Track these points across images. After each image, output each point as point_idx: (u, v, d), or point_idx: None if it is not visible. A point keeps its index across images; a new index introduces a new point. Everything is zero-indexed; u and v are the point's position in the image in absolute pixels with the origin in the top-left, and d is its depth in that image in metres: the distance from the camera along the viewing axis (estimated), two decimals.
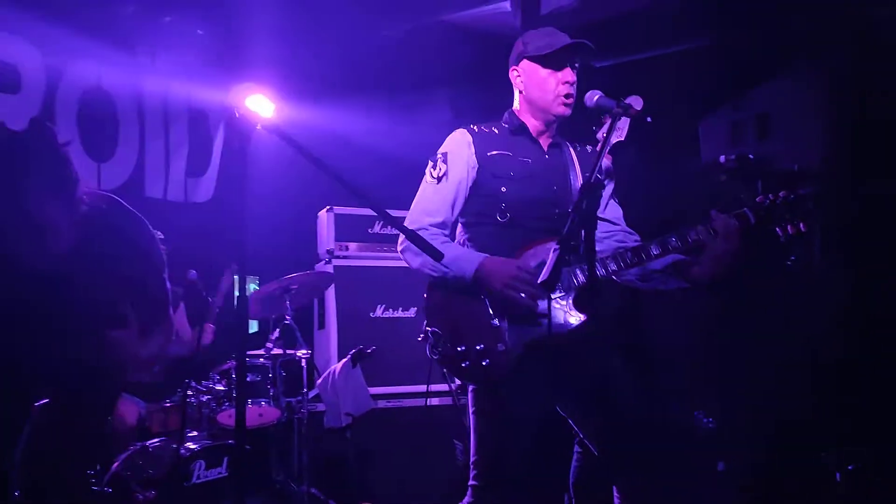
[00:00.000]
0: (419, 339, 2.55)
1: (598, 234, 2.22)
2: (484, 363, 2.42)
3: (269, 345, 4.22)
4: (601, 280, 2.45)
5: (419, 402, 4.78)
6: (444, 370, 2.54)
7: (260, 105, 1.98)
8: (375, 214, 4.39)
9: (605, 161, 2.28)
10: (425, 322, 2.54)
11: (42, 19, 4.46)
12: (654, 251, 2.46)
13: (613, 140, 2.94)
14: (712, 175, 3.95)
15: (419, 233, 2.53)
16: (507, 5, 4.75)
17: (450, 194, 2.60)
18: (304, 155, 2.00)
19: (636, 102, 3.09)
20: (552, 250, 2.11)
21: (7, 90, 4.42)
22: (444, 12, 4.93)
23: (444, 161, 2.61)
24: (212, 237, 5.03)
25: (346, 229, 5.04)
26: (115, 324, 2.41)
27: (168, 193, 5.20)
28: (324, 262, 5.03)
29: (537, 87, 2.62)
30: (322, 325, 5.00)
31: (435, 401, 4.73)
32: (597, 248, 2.33)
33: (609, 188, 2.62)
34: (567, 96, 2.61)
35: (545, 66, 2.60)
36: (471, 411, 2.53)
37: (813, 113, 3.88)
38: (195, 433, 3.86)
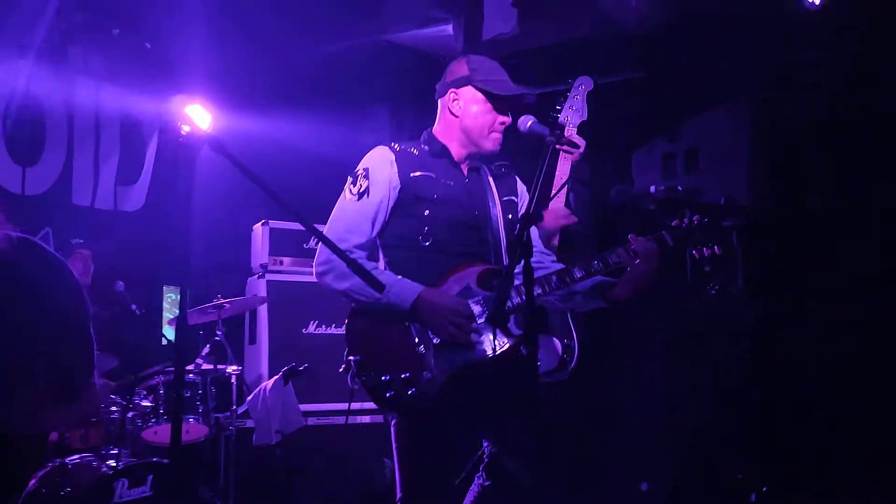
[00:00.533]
0: (340, 369, 2.44)
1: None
2: (410, 392, 2.33)
3: (199, 360, 4.14)
4: (521, 305, 2.40)
5: (351, 419, 4.75)
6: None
7: (197, 116, 1.95)
8: None
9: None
10: (346, 350, 2.43)
11: None
12: (578, 274, 2.48)
13: (578, 120, 3.09)
14: (642, 204, 4.10)
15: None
16: (450, 29, 4.83)
17: (371, 212, 2.48)
18: (241, 169, 1.96)
19: (587, 83, 3.21)
20: (494, 283, 2.06)
21: None
22: (387, 31, 4.98)
23: (366, 177, 2.49)
24: (142, 248, 4.91)
25: (281, 243, 5.00)
26: (18, 378, 2.07)
27: (96, 201, 5.04)
28: (257, 276, 4.97)
29: (476, 119, 2.55)
30: (253, 341, 4.93)
31: (366, 419, 4.72)
32: (515, 272, 2.32)
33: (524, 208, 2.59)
34: (500, 134, 2.58)
35: (491, 100, 2.55)
36: (394, 447, 2.44)
37: (737, 149, 4.09)
38: (118, 451, 3.74)
